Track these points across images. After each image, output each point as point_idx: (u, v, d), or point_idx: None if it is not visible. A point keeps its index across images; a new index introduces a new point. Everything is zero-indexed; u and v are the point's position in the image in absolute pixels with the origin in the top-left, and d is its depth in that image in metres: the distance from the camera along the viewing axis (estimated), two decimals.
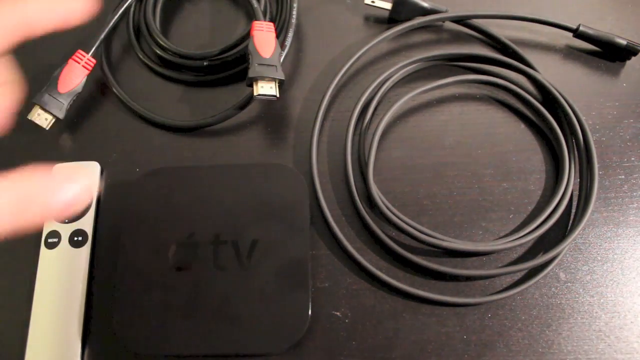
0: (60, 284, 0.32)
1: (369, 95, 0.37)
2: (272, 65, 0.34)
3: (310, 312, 0.29)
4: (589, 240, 0.33)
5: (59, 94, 0.34)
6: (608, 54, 0.39)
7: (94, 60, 0.36)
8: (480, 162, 0.35)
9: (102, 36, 0.37)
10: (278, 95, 0.34)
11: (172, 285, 0.30)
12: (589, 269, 0.32)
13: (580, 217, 0.32)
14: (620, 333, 0.30)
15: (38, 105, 0.34)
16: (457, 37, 0.40)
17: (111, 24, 0.37)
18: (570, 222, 0.34)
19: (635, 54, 0.38)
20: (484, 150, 0.36)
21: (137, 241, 0.31)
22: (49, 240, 0.33)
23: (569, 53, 0.40)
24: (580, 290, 0.32)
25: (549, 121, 0.36)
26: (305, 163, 0.35)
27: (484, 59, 0.38)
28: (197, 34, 0.41)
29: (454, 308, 0.31)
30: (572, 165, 0.34)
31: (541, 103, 0.37)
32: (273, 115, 0.37)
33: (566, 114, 0.35)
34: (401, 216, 0.32)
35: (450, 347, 0.30)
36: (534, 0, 0.42)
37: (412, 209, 0.34)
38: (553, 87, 0.36)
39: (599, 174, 0.34)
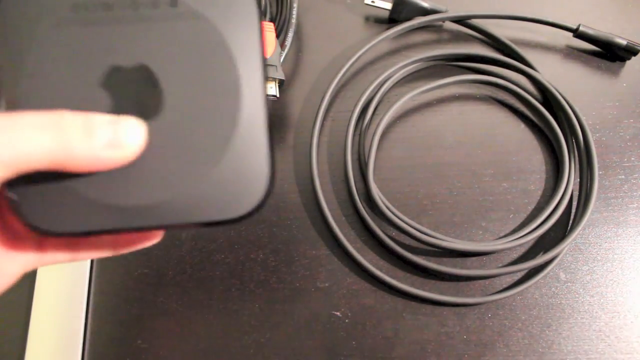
0: (60, 284, 0.32)
1: (369, 95, 0.37)
2: (272, 65, 0.34)
3: (269, 168, 0.17)
4: (589, 240, 0.33)
5: None
6: (608, 54, 0.39)
7: None
8: (480, 162, 0.35)
9: None
10: (278, 95, 0.34)
11: None
12: (589, 269, 0.32)
13: (580, 217, 0.32)
14: (621, 333, 0.30)
15: None
16: (457, 37, 0.40)
17: None
18: (570, 222, 0.34)
19: (635, 54, 0.38)
20: (484, 150, 0.36)
21: None
22: None
23: (569, 53, 0.40)
24: (580, 290, 0.32)
25: (549, 121, 0.36)
26: (305, 163, 0.35)
27: (484, 59, 0.38)
28: None
29: (454, 308, 0.31)
30: (572, 165, 0.34)
31: (541, 103, 0.37)
32: (273, 115, 0.37)
33: (566, 114, 0.35)
34: (401, 216, 0.32)
35: (450, 347, 0.30)
36: (534, 0, 0.42)
37: (412, 209, 0.34)
38: (553, 87, 0.36)
39: (599, 174, 0.34)
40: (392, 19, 0.41)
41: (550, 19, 0.39)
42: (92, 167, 0.16)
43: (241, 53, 0.16)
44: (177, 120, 0.16)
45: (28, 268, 0.19)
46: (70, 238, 0.19)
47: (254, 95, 0.16)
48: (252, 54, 0.16)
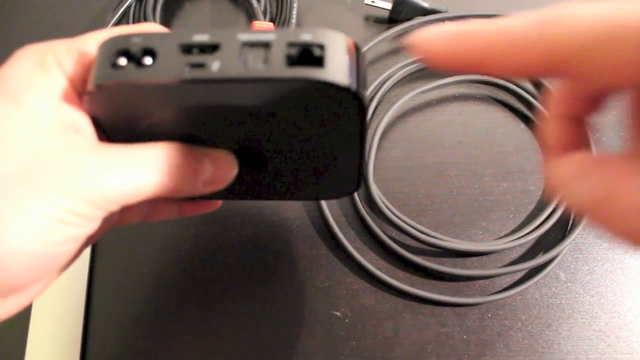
0: (60, 284, 0.32)
1: (369, 95, 0.37)
2: None
3: (357, 178, 0.24)
4: (589, 240, 0.33)
5: None
6: None
7: None
8: (480, 162, 0.35)
9: None
10: None
11: None
12: (589, 269, 0.32)
13: (580, 217, 0.32)
14: (621, 333, 0.30)
15: None
16: None
17: (111, 24, 0.37)
18: (570, 222, 0.34)
19: None
20: (484, 150, 0.36)
21: None
22: None
23: None
24: (580, 290, 0.32)
25: None
26: None
27: None
28: None
29: (454, 308, 0.31)
30: None
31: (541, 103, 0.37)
32: None
33: None
34: (401, 216, 0.32)
35: (450, 347, 0.30)
36: (534, 0, 0.42)
37: (412, 209, 0.34)
38: (553, 87, 0.36)
39: None
40: (392, 19, 0.41)
41: None
42: (189, 197, 0.19)
43: (343, 148, 0.22)
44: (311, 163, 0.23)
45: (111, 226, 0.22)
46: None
47: (351, 160, 0.23)
48: (353, 146, 0.22)
